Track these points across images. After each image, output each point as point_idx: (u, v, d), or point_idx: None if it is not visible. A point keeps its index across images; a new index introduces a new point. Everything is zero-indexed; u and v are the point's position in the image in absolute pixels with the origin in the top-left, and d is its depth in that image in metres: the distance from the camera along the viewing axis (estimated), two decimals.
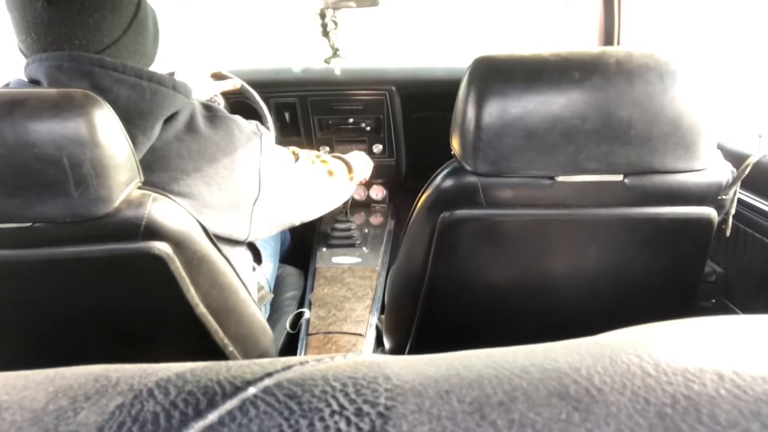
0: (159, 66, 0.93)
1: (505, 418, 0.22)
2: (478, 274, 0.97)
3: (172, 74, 1.28)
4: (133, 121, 0.80)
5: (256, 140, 0.96)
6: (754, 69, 1.90)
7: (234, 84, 1.46)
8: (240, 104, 1.61)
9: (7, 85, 0.87)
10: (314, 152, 1.23)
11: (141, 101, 0.82)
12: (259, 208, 0.98)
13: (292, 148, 1.13)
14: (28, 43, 0.83)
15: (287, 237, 1.82)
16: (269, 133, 1.03)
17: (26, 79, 0.84)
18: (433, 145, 1.34)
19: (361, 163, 1.43)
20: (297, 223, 1.11)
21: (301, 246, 1.86)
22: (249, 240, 1.01)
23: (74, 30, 0.80)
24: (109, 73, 0.81)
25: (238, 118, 0.97)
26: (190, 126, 0.88)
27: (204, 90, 1.38)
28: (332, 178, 1.20)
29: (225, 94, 1.55)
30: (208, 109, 0.94)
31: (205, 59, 1.46)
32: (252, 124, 0.99)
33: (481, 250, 0.93)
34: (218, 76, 1.46)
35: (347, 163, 1.30)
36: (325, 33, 1.42)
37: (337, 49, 1.47)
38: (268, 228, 1.03)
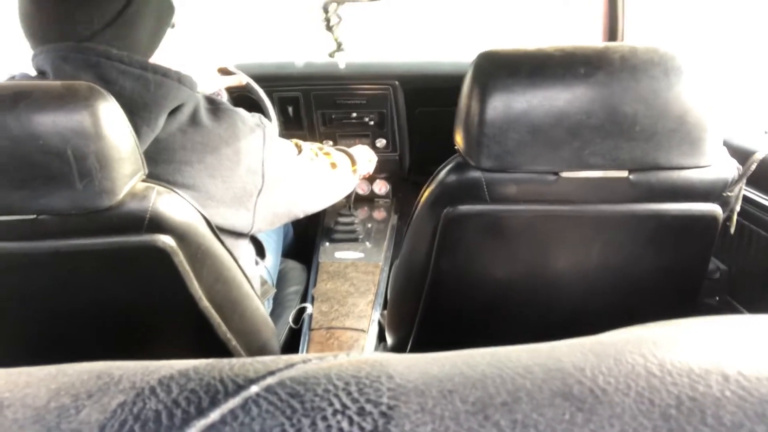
0: (165, 60, 0.93)
1: (508, 418, 0.22)
2: (481, 269, 0.97)
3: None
4: (137, 112, 0.80)
5: (259, 132, 0.96)
6: (761, 64, 1.89)
7: (240, 80, 1.46)
8: (243, 98, 1.61)
9: (12, 78, 0.88)
10: (317, 144, 1.23)
11: (145, 93, 0.82)
12: (262, 200, 0.98)
13: (295, 140, 1.13)
14: (28, 34, 0.84)
15: (290, 231, 1.82)
16: (272, 125, 1.03)
17: (34, 70, 0.85)
18: (437, 140, 1.33)
19: (365, 156, 1.42)
20: (300, 215, 1.11)
21: (304, 240, 1.86)
22: (252, 232, 1.02)
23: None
24: (115, 65, 0.81)
25: (241, 110, 0.97)
26: (194, 118, 0.89)
27: (210, 84, 1.38)
28: (335, 171, 1.20)
29: (229, 89, 1.55)
30: (212, 102, 0.94)
31: (211, 54, 1.46)
32: (255, 117, 0.99)
33: (485, 245, 0.93)
34: (224, 72, 1.46)
35: (350, 156, 1.30)
36: (329, 27, 1.42)
37: (341, 43, 1.47)
38: (271, 220, 1.03)
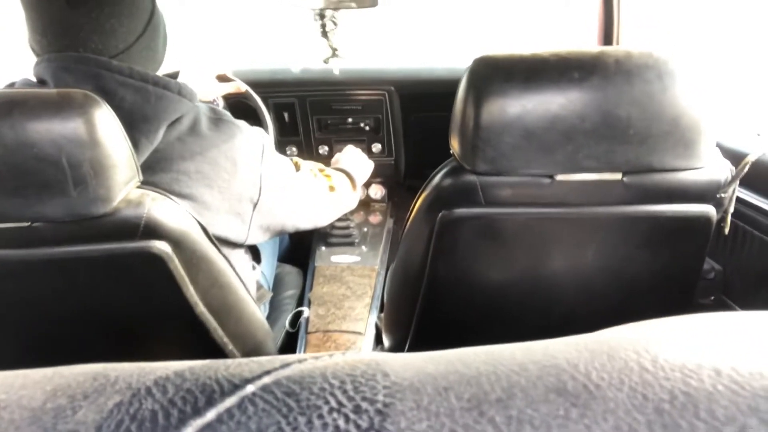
0: (164, 66, 0.93)
1: (503, 414, 0.22)
2: (476, 272, 0.97)
3: (177, 74, 1.29)
4: (136, 125, 0.81)
5: (258, 146, 0.97)
6: (753, 68, 1.90)
7: (239, 87, 1.46)
8: (239, 105, 1.61)
9: (12, 85, 0.88)
10: (318, 165, 1.24)
11: (146, 105, 0.82)
12: (258, 213, 0.98)
13: (295, 159, 1.14)
14: (43, 44, 0.83)
15: (286, 236, 1.82)
16: (271, 140, 1.03)
17: (34, 78, 0.85)
18: (432, 144, 1.34)
19: (361, 168, 1.43)
20: (291, 230, 1.12)
21: (300, 245, 1.86)
22: (247, 243, 1.02)
23: (91, 34, 0.81)
24: (115, 77, 0.81)
25: (242, 123, 0.97)
26: (194, 128, 0.89)
27: (208, 91, 1.38)
28: (332, 194, 1.20)
29: (225, 96, 1.55)
30: (215, 112, 0.94)
31: (210, 60, 1.47)
32: (256, 131, 0.99)
33: (480, 248, 0.93)
34: (223, 78, 1.46)
35: (349, 176, 1.31)
36: (324, 33, 1.42)
37: (335, 49, 1.47)
38: (264, 233, 1.04)
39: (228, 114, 0.96)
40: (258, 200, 0.97)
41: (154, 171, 0.84)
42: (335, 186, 1.22)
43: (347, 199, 1.29)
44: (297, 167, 1.11)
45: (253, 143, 0.96)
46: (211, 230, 0.89)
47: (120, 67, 0.82)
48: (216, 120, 0.92)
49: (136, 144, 0.79)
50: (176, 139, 0.87)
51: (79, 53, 0.81)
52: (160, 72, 0.93)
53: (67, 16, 0.80)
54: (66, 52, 0.81)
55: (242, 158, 0.93)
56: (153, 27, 0.88)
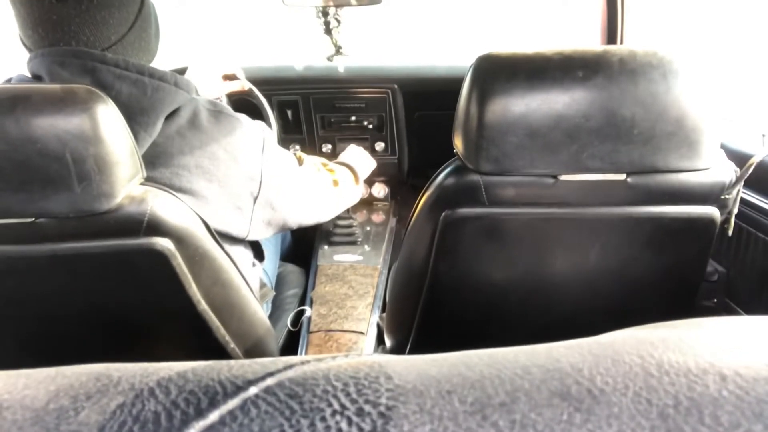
0: (169, 63, 0.93)
1: (506, 418, 0.22)
2: (479, 272, 0.97)
3: (185, 70, 1.29)
4: (134, 117, 0.81)
5: (259, 140, 0.96)
6: (758, 68, 1.89)
7: (243, 85, 1.46)
8: (243, 102, 1.61)
9: (9, 81, 0.88)
10: (322, 160, 1.23)
11: (142, 97, 0.82)
12: (259, 207, 0.98)
13: (299, 153, 1.14)
14: (34, 39, 0.82)
15: (288, 235, 1.82)
16: (273, 133, 1.03)
17: (29, 74, 0.85)
18: (436, 143, 1.34)
19: (364, 165, 1.44)
20: (294, 226, 1.11)
21: (303, 244, 1.86)
22: (249, 239, 1.02)
23: (82, 27, 0.81)
24: (111, 70, 0.81)
25: (243, 117, 0.97)
26: (193, 122, 0.89)
27: (213, 89, 1.38)
28: (336, 189, 1.20)
29: (229, 94, 1.55)
30: (215, 105, 0.94)
31: (217, 59, 1.46)
32: (256, 124, 0.99)
33: (483, 248, 0.93)
34: (229, 77, 1.46)
35: (353, 170, 1.31)
36: (328, 31, 1.42)
37: (339, 47, 1.47)
38: (266, 228, 1.04)
39: (228, 108, 0.96)
40: (258, 194, 0.97)
41: (154, 166, 0.85)
42: (338, 180, 1.22)
43: (350, 194, 1.29)
44: (300, 162, 1.11)
45: (254, 136, 0.96)
46: (212, 224, 0.89)
47: (116, 60, 0.82)
48: (216, 113, 0.92)
49: (135, 137, 0.79)
50: (176, 133, 0.87)
51: (71, 47, 0.81)
52: (169, 69, 0.93)
53: (56, 9, 0.80)
54: (58, 46, 0.81)
55: (242, 152, 0.93)
56: (144, 17, 0.88)
